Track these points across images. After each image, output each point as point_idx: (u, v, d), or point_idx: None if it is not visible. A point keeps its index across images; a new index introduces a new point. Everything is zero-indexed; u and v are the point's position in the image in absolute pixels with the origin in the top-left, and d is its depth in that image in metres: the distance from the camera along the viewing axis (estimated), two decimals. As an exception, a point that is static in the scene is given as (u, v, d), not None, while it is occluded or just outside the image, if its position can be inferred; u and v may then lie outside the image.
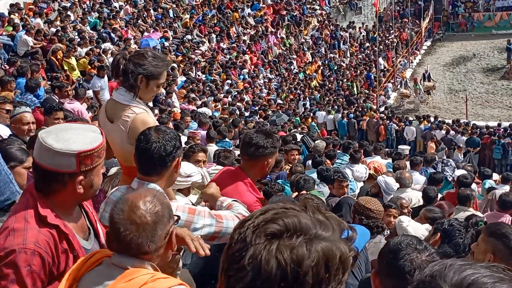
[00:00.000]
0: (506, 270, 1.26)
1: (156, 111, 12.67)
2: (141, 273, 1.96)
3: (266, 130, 3.57)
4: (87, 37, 17.29)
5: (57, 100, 10.18)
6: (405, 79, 29.07)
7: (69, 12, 18.55)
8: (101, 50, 16.81)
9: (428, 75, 27.94)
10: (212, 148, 9.65)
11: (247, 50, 24.88)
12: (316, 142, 12.07)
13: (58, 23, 17.36)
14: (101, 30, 18.94)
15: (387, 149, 15.57)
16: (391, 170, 9.90)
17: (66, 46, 15.17)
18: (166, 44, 20.81)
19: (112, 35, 18.81)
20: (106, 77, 13.95)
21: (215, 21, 25.62)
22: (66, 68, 14.51)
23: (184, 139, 9.31)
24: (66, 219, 2.30)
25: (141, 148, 2.72)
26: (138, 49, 3.57)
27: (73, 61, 14.88)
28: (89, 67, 15.28)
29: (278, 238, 1.21)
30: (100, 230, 2.50)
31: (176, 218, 2.24)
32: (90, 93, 12.72)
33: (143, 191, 2.24)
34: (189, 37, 22.70)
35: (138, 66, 3.32)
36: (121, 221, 2.03)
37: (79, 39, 16.76)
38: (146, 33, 20.73)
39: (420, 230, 4.81)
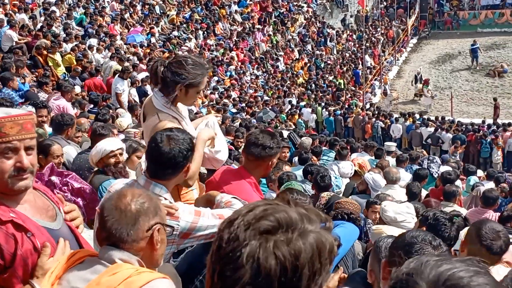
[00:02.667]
0: (481, 263, 1.28)
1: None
2: (125, 267, 1.97)
3: (269, 130, 3.63)
4: (72, 33, 17.15)
5: (43, 96, 10.12)
6: (387, 84, 28.86)
7: (54, 8, 18.39)
8: (87, 46, 16.68)
9: (420, 76, 27.89)
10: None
11: (234, 47, 24.85)
12: (302, 138, 12.08)
13: (42, 18, 17.23)
14: (87, 26, 18.79)
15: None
16: (375, 166, 9.94)
17: (51, 42, 15.02)
18: (153, 40, 20.71)
19: (99, 30, 18.67)
20: (128, 79, 14.11)
21: (201, 18, 25.53)
22: (50, 64, 14.35)
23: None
24: (14, 204, 2.20)
25: (151, 155, 2.76)
26: (177, 56, 3.50)
27: (57, 57, 14.73)
28: (75, 63, 15.17)
29: (273, 234, 1.23)
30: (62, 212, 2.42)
31: (169, 229, 2.29)
32: (76, 89, 12.58)
33: (140, 189, 2.30)
34: (175, 33, 22.62)
35: (176, 75, 3.29)
36: (107, 206, 2.09)
37: (64, 35, 16.62)
38: (132, 29, 20.62)
39: (400, 208, 4.85)
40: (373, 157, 11.87)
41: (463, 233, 3.65)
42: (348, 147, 11.20)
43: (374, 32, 34.11)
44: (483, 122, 22.32)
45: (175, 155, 2.69)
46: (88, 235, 2.89)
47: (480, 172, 13.47)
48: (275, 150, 3.43)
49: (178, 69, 3.29)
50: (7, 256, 2.11)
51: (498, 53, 31.38)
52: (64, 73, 14.66)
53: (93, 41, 17.36)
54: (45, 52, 14.35)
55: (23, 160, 2.16)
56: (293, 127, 19.26)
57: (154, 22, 22.32)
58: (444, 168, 10.39)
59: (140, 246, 2.09)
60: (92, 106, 11.71)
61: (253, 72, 24.66)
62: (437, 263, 1.26)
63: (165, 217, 2.24)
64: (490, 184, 10.74)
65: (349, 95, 26.69)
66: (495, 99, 24.59)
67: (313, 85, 26.63)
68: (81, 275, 2.03)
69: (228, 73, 22.70)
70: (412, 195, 7.04)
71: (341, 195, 8.12)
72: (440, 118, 22.84)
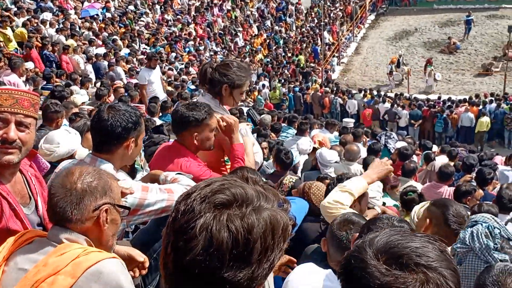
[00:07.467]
0: (438, 240, 1.30)
1: (98, 84, 12.40)
2: (73, 247, 1.94)
3: (192, 103, 3.53)
4: (24, 6, 16.58)
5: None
6: (394, 63, 26.88)
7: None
8: (40, 20, 16.17)
9: (403, 60, 27.45)
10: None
11: (192, 22, 24.51)
12: (262, 116, 12.10)
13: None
14: (40, 0, 18.19)
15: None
16: (338, 143, 10.04)
17: (1, 16, 14.48)
18: (108, 14, 20.22)
19: (51, 5, 18.09)
20: (158, 68, 12.27)
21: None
22: (1, 39, 13.86)
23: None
24: (2, 179, 2.30)
25: (92, 125, 2.81)
26: (224, 59, 4.14)
27: (9, 32, 14.23)
28: (27, 38, 14.69)
29: (227, 208, 1.24)
30: (40, 203, 2.46)
31: (125, 210, 2.25)
32: (27, 64, 12.15)
33: (91, 167, 2.22)
34: (132, 8, 22.14)
35: (223, 76, 3.66)
36: (55, 184, 2.07)
37: (15, 9, 16.05)
38: (86, 3, 20.07)
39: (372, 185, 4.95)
40: (336, 134, 11.96)
41: (418, 207, 3.72)
42: (308, 123, 11.26)
43: (332, 8, 34.18)
44: (439, 98, 22.76)
45: (113, 124, 2.70)
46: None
47: (435, 147, 13.76)
48: (193, 123, 3.35)
49: (225, 70, 3.66)
50: None
51: (453, 29, 31.93)
52: (16, 48, 14.20)
53: (46, 15, 16.83)
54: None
55: (9, 132, 2.25)
56: (252, 103, 19.24)
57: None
58: (401, 144, 10.57)
59: (86, 226, 2.05)
60: (45, 82, 11.42)
61: (212, 48, 24.42)
62: (393, 234, 1.30)
63: (118, 198, 2.18)
64: (443, 158, 10.98)
65: (308, 72, 26.75)
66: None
67: (273, 61, 26.58)
68: (29, 256, 1.99)
69: (187, 49, 22.43)
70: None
71: (298, 171, 8.20)
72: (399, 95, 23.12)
